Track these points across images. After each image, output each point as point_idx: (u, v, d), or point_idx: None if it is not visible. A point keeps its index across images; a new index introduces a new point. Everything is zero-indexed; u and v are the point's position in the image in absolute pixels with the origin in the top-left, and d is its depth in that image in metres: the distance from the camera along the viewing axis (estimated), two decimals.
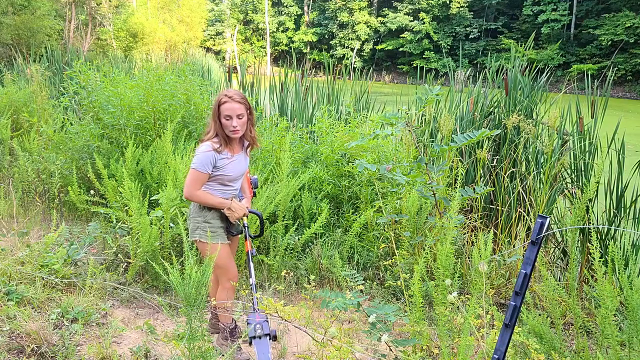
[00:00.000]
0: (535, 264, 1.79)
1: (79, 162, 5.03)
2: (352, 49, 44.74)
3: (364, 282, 3.15)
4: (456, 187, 3.58)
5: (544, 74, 5.18)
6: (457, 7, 40.35)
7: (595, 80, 4.90)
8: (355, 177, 4.44)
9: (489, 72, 5.34)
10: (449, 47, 39.84)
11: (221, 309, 2.89)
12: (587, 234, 3.85)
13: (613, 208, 4.04)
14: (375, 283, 3.78)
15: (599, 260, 2.26)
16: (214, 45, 48.80)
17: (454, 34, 40.91)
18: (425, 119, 5.33)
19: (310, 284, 3.11)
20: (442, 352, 2.14)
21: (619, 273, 2.34)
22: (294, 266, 3.89)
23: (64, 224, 4.03)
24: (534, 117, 4.82)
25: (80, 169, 4.96)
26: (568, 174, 4.43)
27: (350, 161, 4.48)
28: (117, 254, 3.76)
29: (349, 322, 3.34)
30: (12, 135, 6.40)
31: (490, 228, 4.38)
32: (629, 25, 30.31)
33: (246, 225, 2.93)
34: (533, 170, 4.26)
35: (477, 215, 4.27)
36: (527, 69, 4.99)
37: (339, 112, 6.27)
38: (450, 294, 2.14)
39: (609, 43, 31.13)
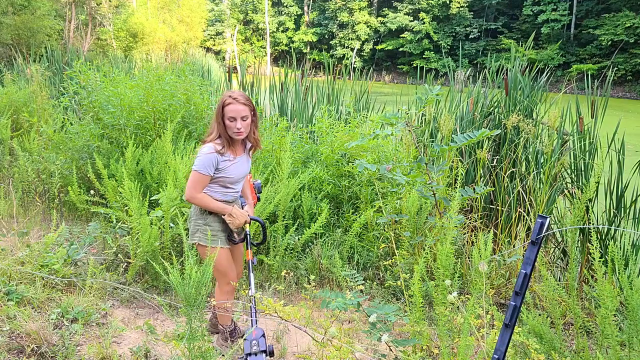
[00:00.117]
0: (535, 264, 1.79)
1: (79, 162, 5.04)
2: (352, 49, 44.74)
3: (364, 282, 3.15)
4: (456, 187, 3.57)
5: (544, 74, 5.19)
6: (457, 7, 40.36)
7: (595, 80, 4.90)
8: (355, 177, 4.44)
9: (489, 72, 5.34)
10: (449, 47, 39.85)
11: (220, 310, 2.89)
12: (587, 234, 3.86)
13: (613, 208, 4.04)
14: (375, 283, 3.78)
15: (599, 260, 2.26)
16: (214, 45, 48.77)
17: (454, 34, 40.92)
18: (425, 119, 5.33)
19: (310, 284, 3.12)
20: (442, 352, 2.14)
21: (619, 273, 2.34)
22: (294, 266, 3.89)
23: (64, 224, 4.03)
24: (534, 117, 4.82)
25: (80, 169, 4.96)
26: (568, 174, 4.42)
27: (350, 161, 4.48)
28: (117, 254, 3.76)
29: (349, 322, 3.33)
30: (12, 135, 6.40)
31: (490, 228, 4.38)
32: (629, 25, 30.32)
33: (248, 233, 2.84)
34: (533, 170, 4.26)
35: (477, 215, 4.27)
36: (527, 69, 4.98)
37: (339, 112, 6.27)
38: (450, 294, 2.14)
39: (609, 43, 31.14)
